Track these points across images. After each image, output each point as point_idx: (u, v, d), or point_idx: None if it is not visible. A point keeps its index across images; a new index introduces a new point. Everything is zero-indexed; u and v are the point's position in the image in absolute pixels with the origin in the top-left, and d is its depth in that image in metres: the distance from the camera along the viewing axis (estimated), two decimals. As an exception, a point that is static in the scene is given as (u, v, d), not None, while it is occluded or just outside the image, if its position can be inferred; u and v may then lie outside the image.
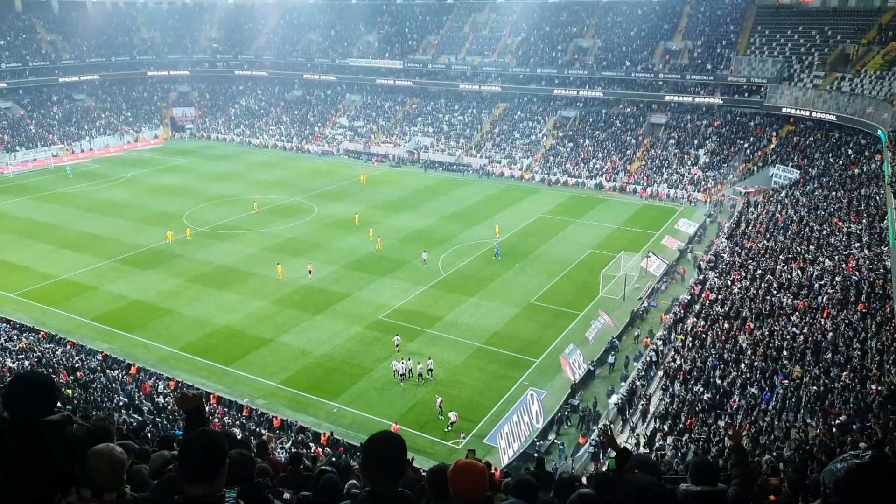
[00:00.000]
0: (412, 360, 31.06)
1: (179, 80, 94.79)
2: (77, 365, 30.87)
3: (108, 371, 30.88)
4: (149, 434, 21.40)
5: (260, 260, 44.40)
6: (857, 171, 47.27)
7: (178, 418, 26.63)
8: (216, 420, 26.97)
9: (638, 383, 29.14)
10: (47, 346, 32.95)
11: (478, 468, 3.59)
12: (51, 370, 28.92)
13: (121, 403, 28.56)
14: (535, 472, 11.13)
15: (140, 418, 27.11)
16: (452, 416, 27.00)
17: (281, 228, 51.47)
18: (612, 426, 26.31)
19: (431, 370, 30.61)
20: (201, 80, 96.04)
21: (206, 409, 26.98)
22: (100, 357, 32.33)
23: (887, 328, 24.36)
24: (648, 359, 30.92)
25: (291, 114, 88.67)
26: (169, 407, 27.93)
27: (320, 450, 24.47)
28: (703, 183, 60.22)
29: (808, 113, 57.90)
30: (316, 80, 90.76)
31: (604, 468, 21.50)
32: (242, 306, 37.93)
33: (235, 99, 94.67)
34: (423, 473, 7.85)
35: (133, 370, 31.26)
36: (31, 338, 33.72)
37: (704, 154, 63.64)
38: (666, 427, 24.62)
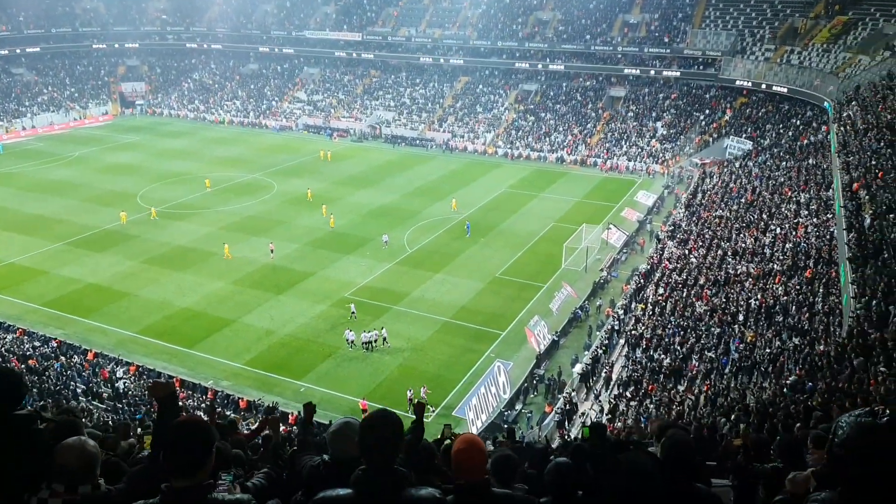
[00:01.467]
0: (376, 332, 31.35)
1: (127, 53, 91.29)
2: (28, 352, 29.93)
3: (62, 357, 30.06)
4: (110, 421, 21.07)
5: (219, 239, 43.56)
6: (805, 141, 48.65)
7: (139, 403, 26.24)
8: (180, 404, 26.64)
9: (600, 352, 29.81)
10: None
11: (480, 445, 3.60)
12: None
13: (78, 391, 27.95)
14: (512, 447, 11.35)
15: (101, 405, 26.67)
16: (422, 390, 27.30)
17: (240, 206, 50.51)
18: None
19: (386, 338, 31.18)
20: (151, 54, 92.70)
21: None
22: (54, 343, 31.43)
23: (833, 291, 25.38)
24: (611, 327, 31.62)
25: (248, 88, 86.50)
26: (129, 392, 27.45)
27: (288, 429, 24.42)
28: (661, 155, 61.17)
29: (761, 85, 59.13)
30: (272, 53, 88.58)
31: (572, 435, 22.05)
32: (202, 287, 37.27)
33: (188, 73, 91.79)
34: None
35: (90, 356, 30.53)
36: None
37: (662, 126, 64.56)
38: (629, 393, 25.31)
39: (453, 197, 51.38)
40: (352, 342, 31.14)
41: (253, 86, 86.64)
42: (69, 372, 29.09)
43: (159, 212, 48.42)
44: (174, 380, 28.60)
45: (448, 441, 9.21)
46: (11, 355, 29.02)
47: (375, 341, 31.09)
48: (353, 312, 33.59)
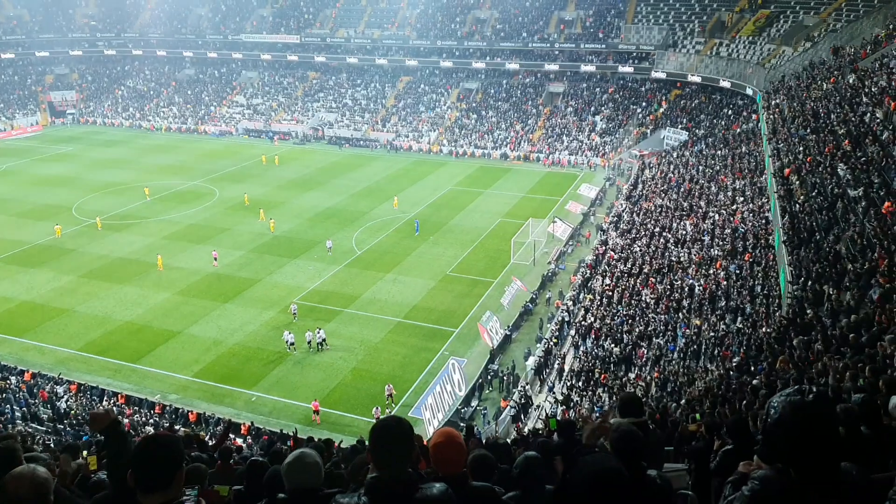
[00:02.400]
0: (321, 332, 31.13)
1: (55, 61, 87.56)
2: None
3: (-3, 380, 28.65)
4: (50, 443, 20.20)
5: (160, 249, 42.24)
6: (738, 130, 50.53)
7: (83, 422, 25.24)
8: (126, 420, 25.76)
9: (552, 344, 30.25)
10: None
11: (459, 439, 3.61)
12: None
13: (16, 414, 26.70)
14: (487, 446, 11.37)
15: (41, 427, 25.55)
16: (388, 388, 27.32)
17: (181, 215, 49.15)
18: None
19: (324, 340, 30.89)
20: (80, 62, 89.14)
21: (117, 416, 25.74)
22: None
23: (772, 274, 26.44)
24: (561, 319, 32.11)
25: (185, 94, 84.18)
26: (72, 412, 26.39)
27: (239, 440, 23.92)
28: (601, 148, 62.48)
29: (694, 78, 61.08)
30: (208, 58, 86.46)
31: (528, 429, 22.29)
32: (145, 300, 36.10)
33: (121, 80, 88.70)
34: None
35: (27, 376, 29.19)
36: None
37: (601, 120, 65.92)
38: (581, 384, 25.76)
39: (396, 196, 51.21)
40: (292, 344, 30.78)
41: (190, 91, 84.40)
42: (5, 395, 27.74)
43: (95, 224, 46.62)
44: (118, 396, 27.71)
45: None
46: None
47: (321, 342, 30.81)
48: (294, 313, 33.33)
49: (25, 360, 30.94)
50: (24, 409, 27.27)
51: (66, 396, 27.84)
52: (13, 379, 29.21)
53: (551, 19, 73.72)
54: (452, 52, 75.42)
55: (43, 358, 31.16)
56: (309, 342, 30.97)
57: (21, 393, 28.22)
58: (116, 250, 42.59)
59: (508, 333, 31.55)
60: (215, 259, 39.98)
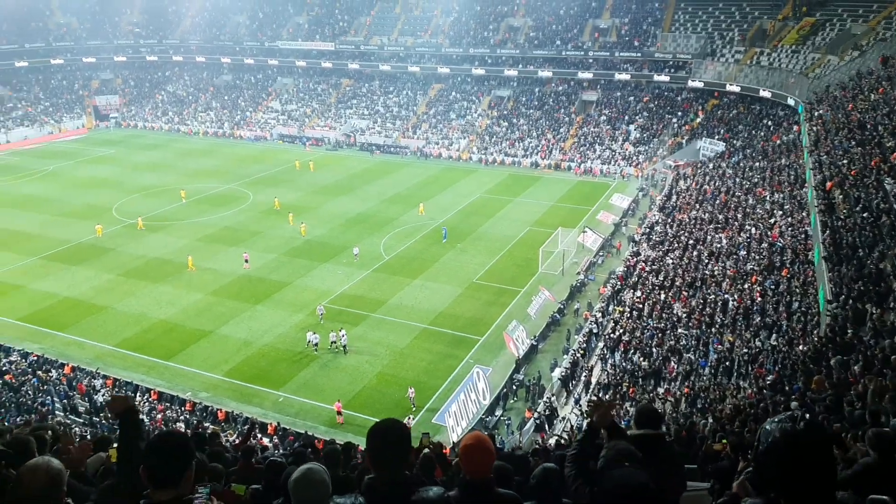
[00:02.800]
0: (344, 333, 31.63)
1: (101, 66, 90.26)
2: (4, 367, 29.40)
3: (38, 372, 29.56)
4: (87, 435, 20.71)
5: (195, 251, 43.11)
6: (777, 141, 49.49)
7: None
8: (159, 416, 26.31)
9: (579, 356, 29.96)
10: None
11: (489, 443, 3.64)
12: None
13: (57, 406, 27.51)
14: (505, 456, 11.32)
15: (78, 419, 26.26)
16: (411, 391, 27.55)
17: (215, 217, 50.08)
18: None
19: (346, 344, 31.30)
20: (124, 67, 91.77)
21: (142, 406, 26.28)
22: (31, 357, 30.92)
23: (810, 291, 25.75)
24: (589, 331, 31.79)
25: (221, 99, 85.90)
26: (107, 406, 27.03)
27: (266, 440, 24.22)
28: (634, 158, 61.82)
29: (733, 87, 60.08)
30: (245, 64, 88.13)
31: (552, 441, 22.09)
32: (179, 299, 36.86)
33: (162, 85, 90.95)
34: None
35: (67, 370, 30.05)
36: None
37: (635, 129, 65.26)
38: (608, 396, 25.44)
39: (422, 203, 51.37)
40: (315, 345, 31.28)
41: (227, 97, 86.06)
42: (46, 387, 28.62)
43: (135, 224, 47.83)
44: (151, 392, 28.31)
45: (426, 450, 9.19)
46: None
47: (345, 343, 31.32)
48: (321, 315, 33.83)
49: (66, 354, 31.88)
50: (65, 401, 28.09)
51: (102, 391, 28.57)
52: (54, 372, 30.12)
53: (586, 27, 73.36)
54: (485, 59, 75.53)
55: (83, 353, 32.06)
56: (333, 342, 31.42)
57: (61, 386, 29.07)
58: (153, 250, 43.60)
59: (535, 343, 31.36)
60: (246, 261, 40.62)
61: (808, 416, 2.63)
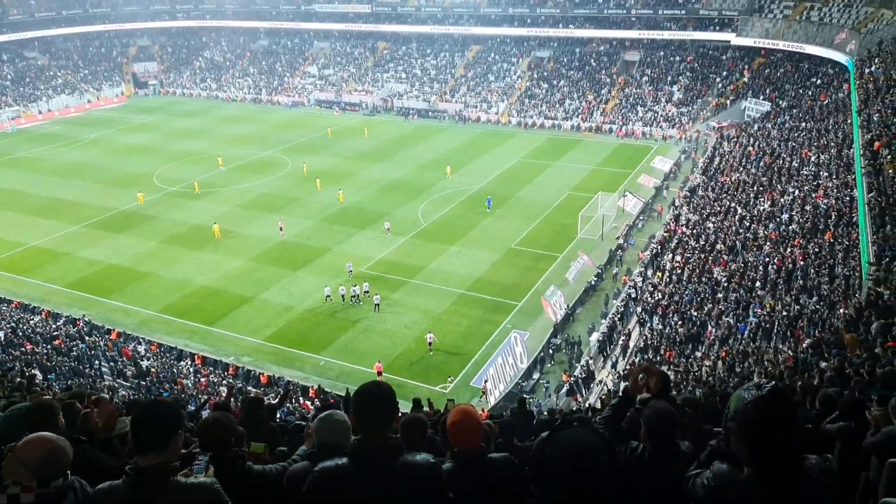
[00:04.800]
0: (367, 287, 33.19)
1: (138, 33, 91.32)
2: (55, 333, 30.59)
3: (86, 338, 30.68)
4: (123, 398, 21.50)
5: (235, 217, 43.87)
6: (825, 100, 47.51)
7: (163, 381, 26.78)
8: (202, 380, 27.15)
9: (616, 320, 29.75)
10: (22, 315, 32.52)
11: (474, 416, 3.70)
12: (25, 339, 28.66)
13: (104, 369, 28.57)
14: (515, 412, 11.45)
15: (126, 383, 27.26)
16: (429, 337, 28.71)
17: (254, 184, 50.73)
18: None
19: (368, 292, 33.04)
20: (161, 34, 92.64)
21: (188, 370, 27.00)
22: (78, 323, 32.06)
23: (853, 254, 24.96)
24: (627, 296, 31.50)
25: (259, 65, 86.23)
26: (153, 370, 28.02)
27: (308, 402, 24.83)
28: (677, 119, 60.19)
29: (781, 45, 57.63)
30: (282, 29, 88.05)
31: (590, 402, 22.12)
32: (220, 265, 37.67)
33: (199, 51, 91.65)
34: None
35: (113, 335, 31.11)
36: (4, 308, 33.22)
37: (678, 90, 63.40)
38: (645, 360, 25.30)
39: (448, 165, 51.31)
40: (328, 297, 32.99)
41: (264, 62, 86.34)
42: (93, 352, 29.71)
43: (175, 191, 48.85)
44: (195, 357, 29.18)
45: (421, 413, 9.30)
46: (37, 336, 29.71)
47: (365, 294, 32.94)
48: (349, 272, 35.15)
49: (112, 319, 32.95)
50: (112, 364, 29.16)
51: (147, 356, 29.57)
52: (100, 338, 31.18)
53: (628, -16, 70.93)
54: (524, 19, 73.89)
55: (128, 318, 33.11)
56: (354, 295, 32.95)
57: (108, 352, 30.14)
58: (194, 217, 44.48)
59: (572, 308, 31.24)
60: (281, 229, 41.10)
61: (772, 383, 2.69)
